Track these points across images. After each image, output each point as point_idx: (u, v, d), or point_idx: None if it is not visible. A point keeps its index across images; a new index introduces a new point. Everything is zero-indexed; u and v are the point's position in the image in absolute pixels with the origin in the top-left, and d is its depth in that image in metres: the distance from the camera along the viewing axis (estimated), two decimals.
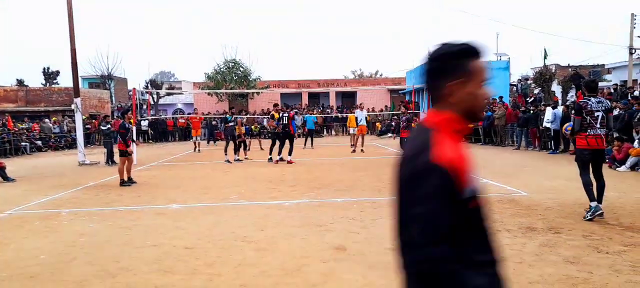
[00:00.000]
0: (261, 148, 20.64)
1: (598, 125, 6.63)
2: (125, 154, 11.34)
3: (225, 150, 16.15)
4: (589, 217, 6.63)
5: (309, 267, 5.05)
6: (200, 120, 24.96)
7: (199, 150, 21.04)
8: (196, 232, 6.66)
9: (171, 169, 14.88)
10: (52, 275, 5.03)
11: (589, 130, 6.64)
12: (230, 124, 16.39)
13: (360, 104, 21.52)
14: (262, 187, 10.51)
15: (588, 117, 6.65)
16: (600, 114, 6.65)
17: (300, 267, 5.08)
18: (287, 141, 15.38)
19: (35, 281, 4.88)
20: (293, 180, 11.38)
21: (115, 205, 8.95)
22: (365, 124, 18.79)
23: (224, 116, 17.55)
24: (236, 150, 16.40)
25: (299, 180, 11.36)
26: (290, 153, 15.30)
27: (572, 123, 7.22)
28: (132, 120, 13.34)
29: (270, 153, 15.84)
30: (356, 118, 19.02)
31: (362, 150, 18.64)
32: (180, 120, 32.33)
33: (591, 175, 6.78)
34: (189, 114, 34.63)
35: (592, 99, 6.79)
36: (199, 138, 22.15)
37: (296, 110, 25.77)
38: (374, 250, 5.57)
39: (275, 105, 16.99)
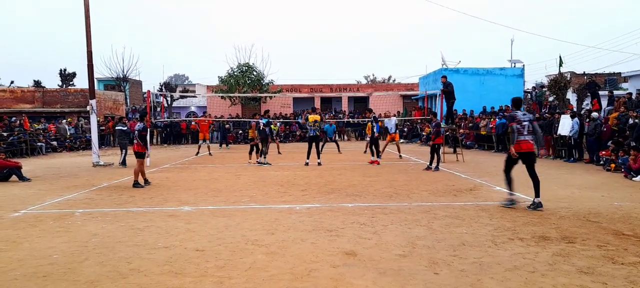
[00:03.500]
0: (279, 152, 20.77)
1: (526, 132, 8.12)
2: (142, 156, 11.50)
3: (263, 155, 16.41)
4: (506, 204, 8.24)
5: (319, 272, 5.04)
6: (208, 123, 24.66)
7: (198, 153, 20.95)
8: (207, 235, 6.68)
9: (183, 171, 14.97)
10: (64, 275, 5.08)
11: (519, 137, 8.12)
12: (267, 127, 16.38)
13: (387, 112, 21.99)
14: (273, 191, 10.53)
15: (518, 126, 8.10)
16: (526, 123, 8.12)
17: (310, 271, 5.07)
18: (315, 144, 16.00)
19: (48, 280, 4.93)
20: (304, 185, 11.38)
21: (127, 206, 9.03)
22: (395, 131, 18.72)
23: (262, 120, 16.83)
24: (261, 153, 16.57)
25: (310, 185, 11.36)
26: (318, 156, 16.06)
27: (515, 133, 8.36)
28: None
29: (308, 158, 16.01)
30: (387, 127, 18.90)
31: (400, 156, 18.49)
32: (192, 123, 32.52)
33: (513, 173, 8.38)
34: (196, 116, 34.84)
35: (518, 111, 8.37)
36: (205, 142, 21.88)
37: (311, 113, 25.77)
38: (384, 256, 5.54)
39: (266, 112, 17.63)
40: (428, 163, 14.45)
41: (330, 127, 23.30)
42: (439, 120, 15.23)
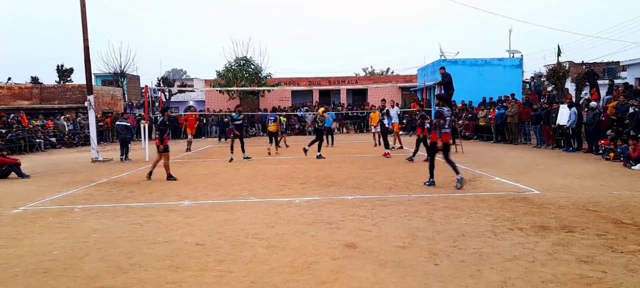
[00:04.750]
0: (286, 145, 20.73)
1: (447, 126, 9.58)
2: (166, 150, 11.62)
3: (232, 149, 16.04)
4: (459, 187, 9.32)
5: (319, 265, 5.05)
6: (195, 118, 24.03)
7: (190, 149, 20.60)
8: (207, 229, 6.69)
9: (183, 166, 14.97)
10: (64, 270, 5.08)
11: (442, 130, 9.53)
12: (238, 122, 16.16)
13: (392, 102, 21.84)
14: (272, 184, 10.53)
15: (442, 121, 9.55)
16: (448, 118, 9.65)
17: (310, 264, 5.07)
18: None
19: (48, 276, 4.93)
20: (304, 178, 11.38)
21: (127, 201, 9.03)
22: (398, 121, 18.81)
23: (231, 114, 17.30)
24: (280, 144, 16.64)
25: (310, 178, 11.36)
26: (317, 148, 16.18)
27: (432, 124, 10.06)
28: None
29: (319, 150, 16.18)
30: (391, 117, 19.08)
31: (400, 147, 18.69)
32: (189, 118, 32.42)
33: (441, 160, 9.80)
34: (195, 111, 34.73)
35: (444, 108, 9.82)
36: (192, 137, 21.68)
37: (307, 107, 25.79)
38: (384, 248, 5.56)
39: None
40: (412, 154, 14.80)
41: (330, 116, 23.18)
42: (424, 111, 15.02)
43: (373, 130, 20.39)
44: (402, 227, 6.48)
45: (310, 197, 8.88)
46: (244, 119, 16.27)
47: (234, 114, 16.63)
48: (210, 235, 6.37)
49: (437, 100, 10.31)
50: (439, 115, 9.78)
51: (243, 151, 16.06)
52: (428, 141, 12.65)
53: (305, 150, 16.15)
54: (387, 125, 16.19)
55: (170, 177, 11.54)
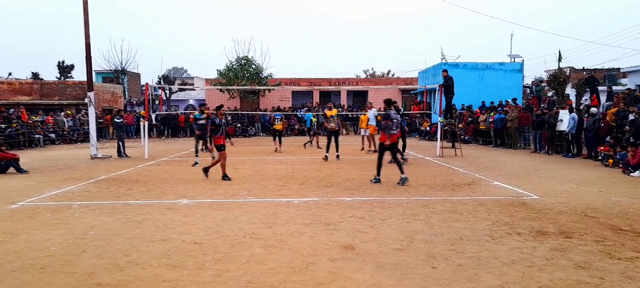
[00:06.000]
0: (318, 146, 20.00)
1: (394, 128, 10.43)
2: (221, 149, 11.36)
3: (196, 152, 14.83)
4: (401, 184, 10.18)
5: (316, 265, 5.04)
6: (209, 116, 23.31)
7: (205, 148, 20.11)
8: (205, 228, 6.68)
9: (181, 164, 14.95)
10: (62, 267, 5.07)
11: (391, 131, 10.34)
12: (201, 121, 14.71)
13: (370, 103, 21.06)
14: (271, 184, 10.52)
15: (390, 122, 10.32)
16: (396, 120, 10.48)
17: (308, 265, 5.07)
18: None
19: (45, 272, 4.92)
20: (302, 178, 11.37)
21: (125, 199, 9.02)
22: (375, 123, 18.34)
23: (194, 114, 16.29)
24: (196, 149, 15.00)
25: (308, 178, 11.36)
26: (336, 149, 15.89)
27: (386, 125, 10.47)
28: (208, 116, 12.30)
29: (327, 151, 15.80)
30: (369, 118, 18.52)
31: (375, 151, 18.21)
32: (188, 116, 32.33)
33: (393, 156, 10.71)
34: (195, 109, 34.50)
35: (391, 111, 10.53)
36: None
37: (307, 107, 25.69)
38: (382, 250, 5.55)
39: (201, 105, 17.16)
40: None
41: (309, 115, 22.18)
42: (391, 111, 12.58)
43: (362, 133, 19.72)
44: (400, 230, 6.48)
45: (309, 198, 8.88)
46: (208, 118, 14.47)
47: (196, 113, 15.76)
48: (208, 234, 6.36)
49: (385, 105, 10.97)
50: (387, 117, 10.46)
51: (197, 154, 14.79)
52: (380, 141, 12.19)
53: (325, 157, 15.62)
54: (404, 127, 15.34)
55: (225, 177, 11.25)
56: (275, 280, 4.63)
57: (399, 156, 11.08)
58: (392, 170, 12.84)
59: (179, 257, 5.36)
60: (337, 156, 15.76)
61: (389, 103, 10.90)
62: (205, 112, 15.25)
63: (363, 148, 19.23)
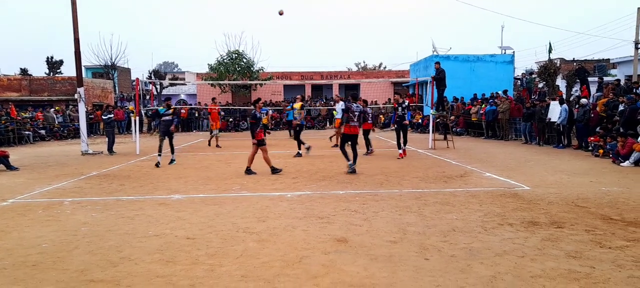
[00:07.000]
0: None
1: (356, 120, 11.25)
2: (261, 143, 11.23)
3: (159, 150, 13.31)
4: (349, 171, 10.93)
5: (310, 259, 5.05)
6: (218, 110, 20.56)
7: (218, 145, 18.90)
8: (198, 223, 6.66)
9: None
10: (54, 264, 5.04)
11: (350, 123, 11.18)
12: (166, 117, 13.49)
13: (337, 96, 20.75)
14: (264, 179, 10.51)
15: (351, 115, 11.15)
16: (357, 113, 11.26)
17: (301, 258, 5.08)
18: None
19: (37, 269, 4.89)
20: (295, 172, 11.37)
21: (117, 194, 8.97)
22: (340, 116, 17.60)
23: (157, 109, 15.43)
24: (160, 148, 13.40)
25: (301, 172, 11.35)
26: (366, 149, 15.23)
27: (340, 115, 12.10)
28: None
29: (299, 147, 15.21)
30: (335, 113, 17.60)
31: (336, 145, 16.61)
32: (182, 111, 32.16)
33: (349, 148, 11.31)
34: (186, 104, 34.34)
35: (353, 104, 11.37)
36: (218, 132, 19.42)
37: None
38: (375, 243, 5.57)
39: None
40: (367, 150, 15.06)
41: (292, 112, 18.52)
42: (350, 103, 11.90)
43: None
44: (393, 222, 6.50)
45: (302, 192, 8.88)
46: (174, 113, 13.64)
47: (160, 108, 14.56)
48: (201, 229, 6.34)
49: (350, 97, 11.87)
50: (348, 109, 11.27)
51: (172, 151, 13.77)
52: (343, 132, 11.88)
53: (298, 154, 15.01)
54: (405, 121, 14.45)
55: (274, 170, 11.12)
56: (269, 274, 4.63)
57: (348, 149, 11.34)
58: (383, 163, 12.90)
59: (172, 253, 5.34)
60: (298, 153, 14.93)
61: (355, 97, 11.89)
62: (171, 107, 13.82)
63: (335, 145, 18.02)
